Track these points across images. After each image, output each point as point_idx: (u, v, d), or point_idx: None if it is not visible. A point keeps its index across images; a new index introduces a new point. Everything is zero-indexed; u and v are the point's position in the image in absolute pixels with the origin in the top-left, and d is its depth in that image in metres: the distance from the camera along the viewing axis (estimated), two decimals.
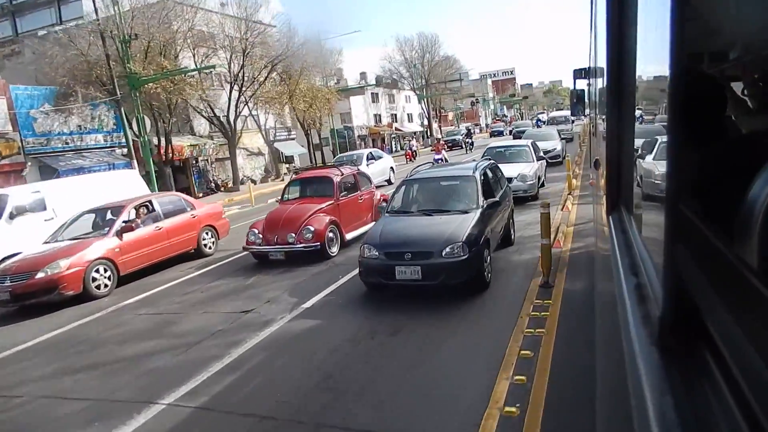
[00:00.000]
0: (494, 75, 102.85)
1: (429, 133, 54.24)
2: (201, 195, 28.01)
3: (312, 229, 7.92)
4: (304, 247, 7.86)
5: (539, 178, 12.05)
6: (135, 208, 8.82)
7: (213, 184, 28.47)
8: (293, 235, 7.91)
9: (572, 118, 31.03)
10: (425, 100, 55.23)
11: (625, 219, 1.53)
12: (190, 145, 27.74)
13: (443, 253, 5.59)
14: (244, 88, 27.03)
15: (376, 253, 5.79)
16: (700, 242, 0.70)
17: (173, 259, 9.26)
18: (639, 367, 0.73)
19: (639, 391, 0.69)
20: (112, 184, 11.16)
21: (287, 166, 33.21)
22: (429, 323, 5.06)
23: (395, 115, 58.96)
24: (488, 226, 6.20)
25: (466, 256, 5.57)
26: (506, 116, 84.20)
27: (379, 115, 54.39)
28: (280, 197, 9.59)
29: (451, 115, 66.30)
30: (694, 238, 0.72)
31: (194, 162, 28.74)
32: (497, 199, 6.78)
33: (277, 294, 6.60)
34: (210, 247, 9.61)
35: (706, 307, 0.67)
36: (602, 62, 2.26)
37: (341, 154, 24.24)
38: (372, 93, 52.86)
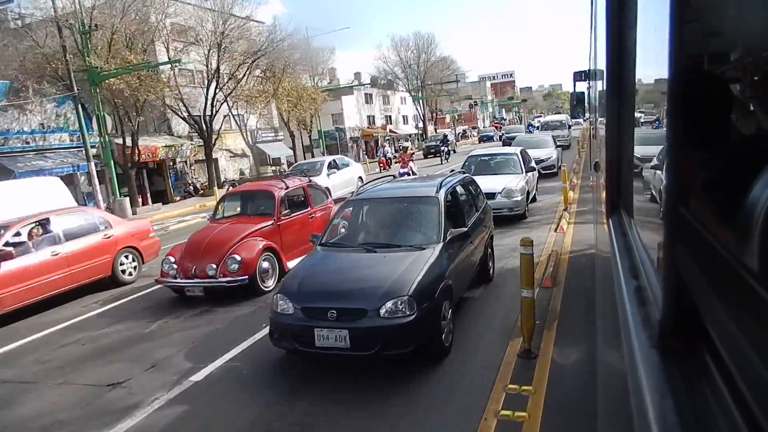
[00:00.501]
0: (493, 77, 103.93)
1: (424, 136, 52.41)
2: (178, 198, 26.80)
3: (238, 258, 6.22)
4: (227, 282, 6.14)
5: (528, 193, 10.79)
6: (27, 229, 7.02)
7: (191, 187, 26.72)
8: (214, 266, 6.15)
9: (569, 122, 28.76)
10: (421, 101, 53.38)
11: (625, 221, 1.54)
12: (166, 146, 27.11)
13: (381, 312, 4.27)
14: (221, 86, 26.01)
15: (291, 308, 4.07)
16: (700, 244, 0.72)
17: (84, 288, 8.18)
18: (639, 369, 0.74)
19: (639, 393, 0.70)
20: (27, 195, 9.50)
21: (273, 168, 31.43)
22: (352, 418, 3.85)
23: (390, 116, 57.70)
24: (452, 268, 4.96)
25: (413, 317, 4.25)
26: (504, 119, 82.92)
27: (373, 117, 53.26)
28: (211, 215, 7.76)
29: (448, 118, 64.43)
30: (694, 241, 0.74)
31: (171, 164, 28.02)
32: (466, 229, 5.04)
33: (172, 352, 4.93)
34: (130, 273, 8.03)
35: (706, 309, 0.69)
36: (602, 65, 2.27)
37: (300, 162, 22.98)
38: (366, 94, 51.84)
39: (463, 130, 65.39)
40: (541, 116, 61.08)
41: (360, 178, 18.54)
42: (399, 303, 4.20)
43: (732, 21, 0.83)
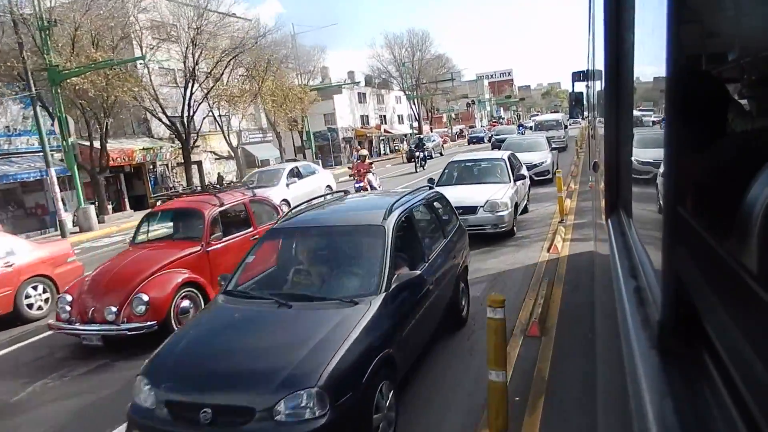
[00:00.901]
0: (491, 76, 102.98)
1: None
2: (159, 203, 24.75)
3: (146, 298, 4.84)
4: (129, 329, 4.66)
5: (517, 206, 9.40)
6: None
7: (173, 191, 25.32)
8: (114, 308, 4.71)
9: (566, 122, 26.67)
10: (415, 100, 51.94)
11: (624, 222, 1.58)
12: (143, 149, 25.95)
13: (276, 412, 2.85)
14: (197, 85, 25.24)
15: (152, 399, 3.13)
16: (699, 245, 0.74)
17: None
18: (639, 370, 0.76)
19: (639, 394, 0.71)
20: None
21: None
22: None
23: (384, 116, 56.39)
24: (397, 329, 3.62)
25: (324, 419, 2.84)
26: (503, 118, 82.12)
27: (367, 117, 51.81)
28: (131, 238, 6.34)
29: (445, 117, 63.05)
30: (693, 241, 0.76)
31: (151, 167, 26.95)
32: (419, 272, 3.58)
33: None
34: (40, 308, 6.62)
35: (705, 309, 0.71)
36: (600, 65, 2.34)
37: (257, 170, 19.32)
38: (359, 93, 50.82)
39: (460, 130, 63.91)
40: (538, 114, 58.34)
41: (329, 186, 16.44)
42: (304, 398, 2.79)
43: (729, 21, 0.84)
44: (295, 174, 15.46)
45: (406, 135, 57.16)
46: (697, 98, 0.92)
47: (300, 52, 38.39)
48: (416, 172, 23.58)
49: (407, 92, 55.11)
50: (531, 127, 31.57)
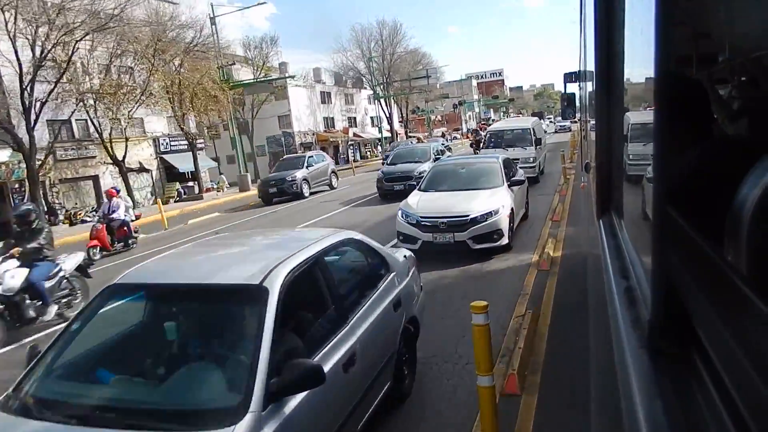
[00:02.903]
0: (481, 76, 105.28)
1: (391, 140, 51.01)
2: None
3: None
4: None
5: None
6: None
7: (54, 216, 23.71)
8: None
9: (541, 131, 18.90)
10: (384, 100, 52.27)
11: (615, 222, 1.72)
12: None
13: None
14: (28, 75, 20.85)
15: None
16: (689, 245, 0.82)
17: None
18: (629, 370, 0.83)
19: (629, 394, 0.78)
20: None
21: (180, 186, 28.56)
22: None
23: (354, 118, 56.00)
24: None
25: None
26: (493, 120, 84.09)
27: (332, 119, 51.07)
28: None
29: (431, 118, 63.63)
30: (683, 241, 0.84)
31: (17, 186, 23.75)
32: None
33: None
34: None
35: (695, 309, 0.78)
36: (591, 66, 2.58)
37: None
38: (322, 92, 50.20)
39: (442, 133, 64.20)
40: (521, 115, 56.21)
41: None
42: None
43: (717, 24, 0.97)
44: None
45: (380, 140, 56.71)
46: (686, 99, 1.03)
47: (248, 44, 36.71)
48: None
49: (375, 90, 54.92)
50: (481, 142, 19.62)
